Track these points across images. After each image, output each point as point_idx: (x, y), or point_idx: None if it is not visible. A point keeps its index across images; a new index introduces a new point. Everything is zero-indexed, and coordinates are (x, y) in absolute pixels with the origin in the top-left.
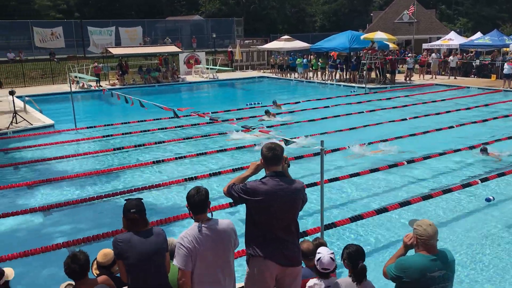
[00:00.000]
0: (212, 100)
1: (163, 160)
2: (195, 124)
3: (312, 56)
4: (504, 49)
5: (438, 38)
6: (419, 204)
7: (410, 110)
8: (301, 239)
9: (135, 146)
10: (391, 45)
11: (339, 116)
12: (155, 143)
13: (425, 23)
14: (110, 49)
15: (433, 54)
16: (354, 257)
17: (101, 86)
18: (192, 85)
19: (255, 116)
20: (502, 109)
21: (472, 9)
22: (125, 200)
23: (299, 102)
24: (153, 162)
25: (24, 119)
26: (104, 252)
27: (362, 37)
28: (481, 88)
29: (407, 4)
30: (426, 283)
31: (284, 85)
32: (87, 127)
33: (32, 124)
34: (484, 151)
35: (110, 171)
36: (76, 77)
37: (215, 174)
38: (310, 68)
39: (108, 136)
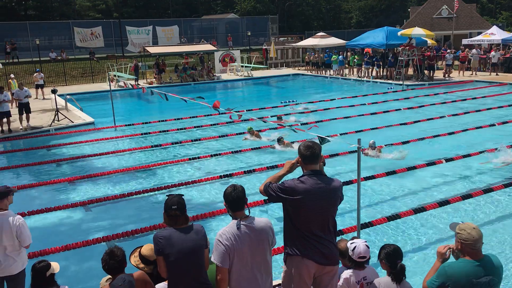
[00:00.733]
0: (246, 98)
1: (199, 157)
2: (230, 122)
3: (349, 53)
4: None
5: (479, 33)
6: (458, 204)
7: (448, 108)
8: (337, 238)
9: (172, 144)
10: (429, 41)
11: (375, 113)
12: (191, 140)
13: (465, 18)
14: (147, 48)
15: (474, 50)
16: (393, 257)
17: (139, 85)
18: (227, 83)
19: (289, 114)
20: None
21: None
22: (167, 196)
23: (334, 99)
24: (189, 159)
25: (66, 117)
26: (150, 247)
27: (399, 33)
28: None
29: None
30: None
31: (319, 82)
32: (126, 125)
33: (73, 122)
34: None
35: (147, 167)
36: (115, 75)
37: (249, 171)
38: (346, 65)
39: (145, 133)
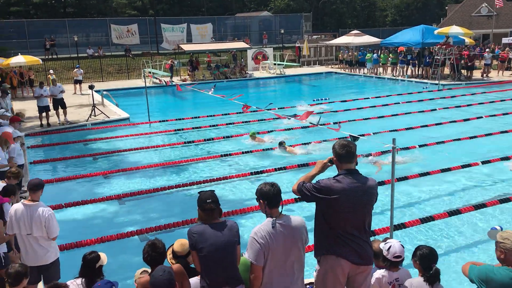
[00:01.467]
0: (278, 96)
1: (230, 154)
2: (261, 120)
3: (387, 51)
4: None
5: None
6: (495, 208)
7: (486, 108)
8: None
9: (204, 140)
10: (467, 40)
11: (410, 113)
12: (223, 137)
13: (506, 16)
14: (182, 46)
15: None
16: (427, 259)
17: (174, 82)
18: (259, 80)
19: (321, 113)
20: None
21: None
22: (198, 193)
23: (368, 98)
24: (221, 156)
25: (102, 112)
26: (181, 242)
27: (436, 31)
28: None
29: None
30: None
31: (352, 80)
32: (160, 121)
33: (109, 117)
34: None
35: (180, 163)
36: (150, 72)
37: (280, 169)
38: (380, 64)
39: (179, 130)
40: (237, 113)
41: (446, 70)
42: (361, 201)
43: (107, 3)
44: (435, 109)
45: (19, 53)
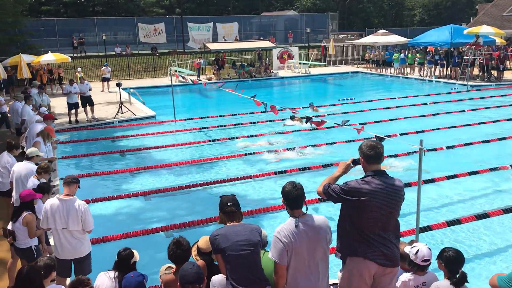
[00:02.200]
0: (303, 95)
1: (254, 153)
2: (285, 119)
3: (414, 51)
4: None
5: None
6: None
7: None
8: None
9: (229, 139)
10: (498, 40)
11: (437, 114)
12: (248, 136)
13: None
14: (208, 45)
15: None
16: (454, 262)
17: (200, 80)
18: (284, 80)
19: (347, 112)
20: None
21: None
22: (220, 197)
23: (394, 98)
24: (245, 154)
25: (129, 110)
26: (206, 239)
27: (465, 31)
28: None
29: None
30: None
31: (379, 80)
32: (185, 119)
33: (135, 115)
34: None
35: (205, 161)
36: (176, 71)
37: (304, 169)
38: (407, 64)
39: (204, 128)
40: (261, 112)
41: (476, 71)
42: (390, 202)
43: (135, 2)
44: (464, 111)
45: (49, 51)
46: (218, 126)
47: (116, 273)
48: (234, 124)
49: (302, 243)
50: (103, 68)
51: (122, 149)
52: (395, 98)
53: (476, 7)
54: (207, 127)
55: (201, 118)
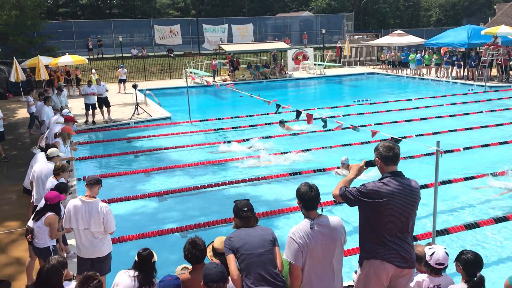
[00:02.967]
0: (318, 96)
1: (269, 154)
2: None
3: (431, 51)
4: None
5: None
6: None
7: None
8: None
9: (244, 140)
10: None
11: (454, 115)
12: (263, 137)
13: None
14: (222, 46)
15: None
16: (472, 266)
17: (215, 82)
18: (299, 81)
19: (362, 114)
20: None
21: None
22: (234, 202)
23: (410, 99)
24: (259, 156)
25: (145, 111)
26: (221, 240)
27: (483, 31)
28: None
29: None
30: None
31: (394, 81)
32: (200, 120)
33: (151, 116)
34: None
35: (219, 162)
36: (191, 72)
37: (319, 170)
38: (424, 65)
39: (219, 129)
40: (275, 113)
41: (494, 72)
42: (407, 204)
43: (151, 4)
44: (481, 112)
45: (67, 53)
46: (233, 128)
47: (136, 273)
48: (249, 126)
49: (317, 244)
50: (119, 69)
51: (138, 150)
52: (411, 99)
53: (494, 7)
54: (222, 128)
55: (216, 119)
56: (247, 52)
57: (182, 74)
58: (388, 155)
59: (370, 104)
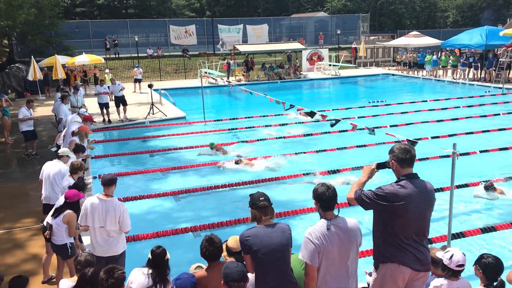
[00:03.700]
0: (333, 97)
1: (284, 155)
2: (316, 121)
3: (448, 52)
4: None
5: None
6: None
7: None
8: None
9: (257, 140)
10: None
11: (471, 117)
12: (276, 138)
13: None
14: (237, 46)
15: None
16: (493, 270)
17: (229, 82)
18: (313, 81)
19: (377, 115)
20: None
21: None
22: (250, 195)
23: (426, 101)
24: (274, 156)
25: (160, 111)
26: (235, 239)
27: (501, 33)
28: None
29: None
30: None
31: (410, 83)
32: (215, 120)
33: (166, 115)
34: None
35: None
36: (206, 72)
37: (333, 172)
38: (440, 66)
39: (233, 129)
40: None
41: None
42: (424, 206)
43: (166, 4)
44: (499, 114)
45: (83, 52)
46: (247, 128)
47: (150, 270)
48: (263, 126)
49: (333, 245)
50: (135, 69)
51: (153, 149)
52: (426, 101)
53: None
54: (236, 128)
55: (230, 119)
56: (261, 52)
57: (197, 74)
58: (404, 158)
59: (385, 105)
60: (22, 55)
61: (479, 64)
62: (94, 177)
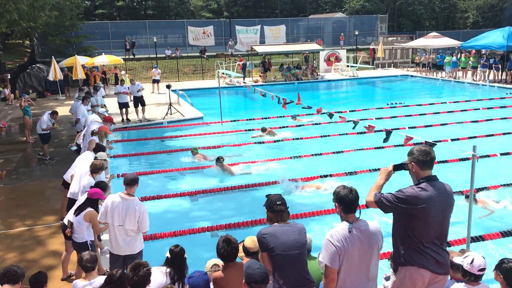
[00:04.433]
0: (350, 99)
1: (299, 156)
2: (332, 122)
3: (467, 54)
4: None
5: None
6: None
7: None
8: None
9: (274, 142)
10: None
11: (491, 120)
12: (293, 139)
13: None
14: (254, 47)
15: None
16: None
17: (245, 83)
18: (330, 82)
19: (396, 116)
20: None
21: None
22: (266, 196)
23: (445, 103)
24: (290, 158)
25: (178, 111)
26: (252, 239)
27: None
28: None
29: None
30: None
31: (429, 84)
32: (231, 121)
33: (184, 116)
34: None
35: (250, 163)
36: (223, 73)
37: (350, 173)
38: (460, 68)
39: (249, 130)
40: (306, 114)
41: None
42: (444, 209)
43: (184, 6)
44: None
45: (103, 53)
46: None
47: (168, 269)
48: (279, 127)
49: (354, 248)
50: (153, 70)
51: (170, 149)
52: (445, 103)
53: None
54: (253, 129)
55: (247, 120)
56: (279, 53)
57: (215, 75)
58: (425, 160)
59: (404, 107)
60: (43, 56)
61: (500, 66)
62: (113, 176)
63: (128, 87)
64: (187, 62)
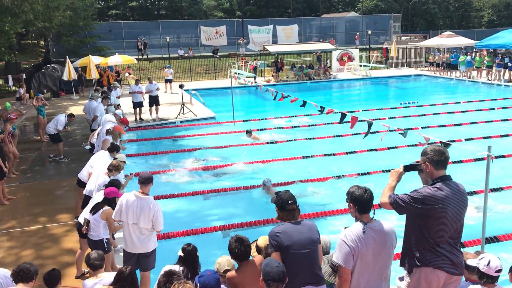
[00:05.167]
0: (363, 98)
1: (312, 156)
2: (345, 122)
3: (482, 53)
4: None
5: None
6: None
7: None
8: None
9: (287, 141)
10: None
11: (506, 120)
12: (305, 139)
13: None
14: (267, 47)
15: None
16: None
17: (256, 82)
18: (343, 82)
19: (409, 116)
20: None
21: None
22: (275, 193)
23: (459, 103)
24: (303, 157)
25: (190, 111)
26: (265, 238)
27: None
28: None
29: None
30: None
31: (443, 84)
32: (244, 120)
33: (196, 115)
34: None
35: (263, 162)
36: (236, 73)
37: (363, 174)
38: (474, 67)
39: (261, 129)
40: (318, 114)
41: None
42: (459, 209)
43: (197, 6)
44: None
45: (116, 53)
46: (275, 128)
47: (181, 267)
48: (292, 127)
49: (368, 249)
50: (166, 70)
51: (183, 149)
52: (459, 103)
53: None
54: (265, 129)
55: (259, 119)
56: (291, 53)
57: (227, 74)
58: (439, 159)
59: (417, 106)
60: (58, 56)
61: None
62: (126, 175)
63: (146, 87)
64: (200, 62)
